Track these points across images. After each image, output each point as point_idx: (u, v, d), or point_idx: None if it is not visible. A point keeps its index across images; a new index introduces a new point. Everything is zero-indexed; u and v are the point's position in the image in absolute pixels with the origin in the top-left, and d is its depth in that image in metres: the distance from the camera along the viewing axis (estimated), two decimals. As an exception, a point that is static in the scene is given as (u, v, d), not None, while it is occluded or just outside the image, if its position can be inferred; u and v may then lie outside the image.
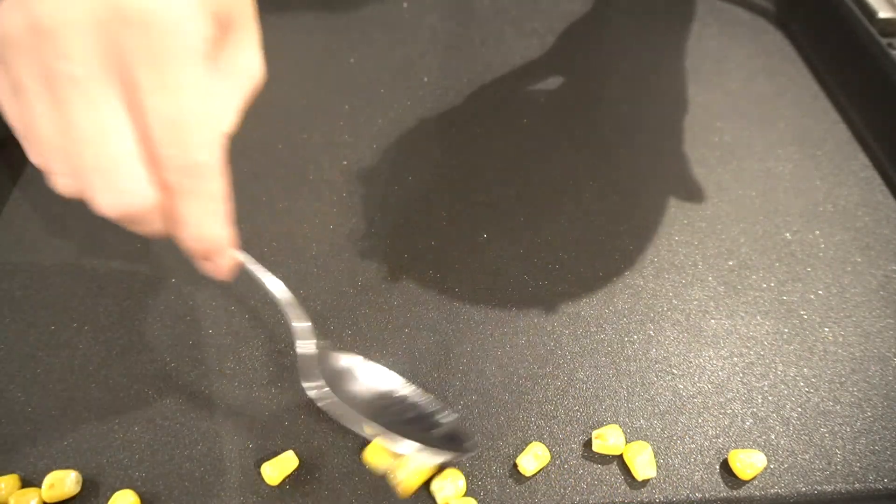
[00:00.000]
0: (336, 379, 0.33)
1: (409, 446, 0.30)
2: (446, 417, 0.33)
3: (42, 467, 0.32)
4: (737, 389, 0.35)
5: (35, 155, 0.25)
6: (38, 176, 0.46)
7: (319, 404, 0.31)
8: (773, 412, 0.34)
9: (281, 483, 0.32)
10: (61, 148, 0.24)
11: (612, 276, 0.40)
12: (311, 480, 0.32)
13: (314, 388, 0.31)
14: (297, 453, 0.32)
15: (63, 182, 0.25)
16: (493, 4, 0.60)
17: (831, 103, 0.51)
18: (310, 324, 0.33)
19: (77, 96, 0.23)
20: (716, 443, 0.33)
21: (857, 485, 0.32)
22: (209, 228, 0.26)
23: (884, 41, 0.48)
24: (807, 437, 0.33)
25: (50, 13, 0.22)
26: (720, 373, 0.36)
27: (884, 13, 0.50)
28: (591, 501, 0.31)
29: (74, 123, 0.23)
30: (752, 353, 0.37)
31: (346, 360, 0.34)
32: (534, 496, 0.32)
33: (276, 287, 0.33)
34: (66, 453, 0.33)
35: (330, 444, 0.33)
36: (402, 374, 0.36)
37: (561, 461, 0.33)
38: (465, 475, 0.32)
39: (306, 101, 0.51)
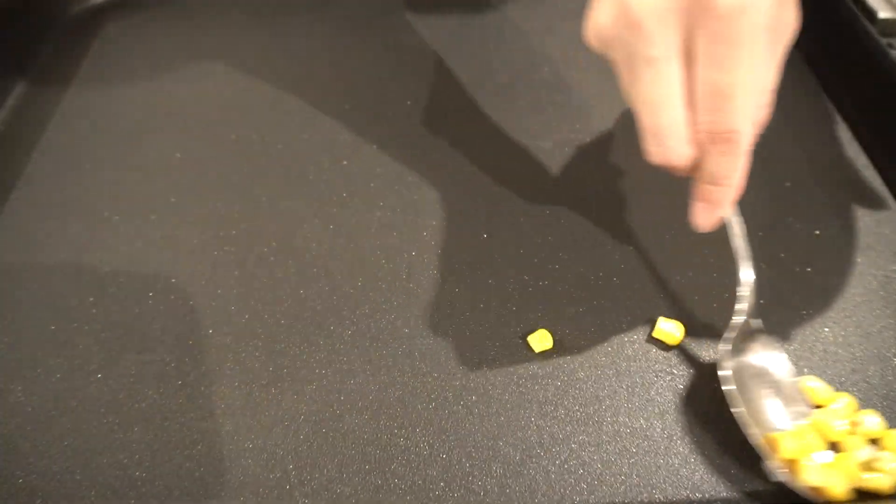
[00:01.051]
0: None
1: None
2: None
3: (42, 467, 0.32)
4: (737, 389, 0.35)
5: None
6: (38, 176, 0.46)
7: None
8: (773, 412, 0.34)
9: (281, 481, 0.32)
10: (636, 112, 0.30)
11: (613, 275, 0.40)
12: (311, 481, 0.32)
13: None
14: (299, 454, 0.32)
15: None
16: (493, 4, 0.60)
17: (831, 103, 0.51)
18: (744, 318, 0.34)
19: (648, 74, 0.28)
20: (716, 443, 0.33)
21: (857, 485, 0.32)
22: (724, 181, 0.30)
23: (884, 41, 0.48)
24: (807, 437, 0.33)
25: (639, 7, 0.27)
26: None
27: (884, 13, 0.50)
28: (591, 501, 0.31)
29: (643, 97, 0.29)
30: (752, 353, 0.37)
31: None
32: (534, 496, 0.32)
33: (746, 274, 0.35)
34: (66, 453, 0.33)
35: (329, 445, 0.33)
36: (401, 373, 0.36)
37: (561, 461, 0.33)
38: (465, 474, 0.32)
39: (306, 101, 0.51)
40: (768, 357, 0.34)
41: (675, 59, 0.28)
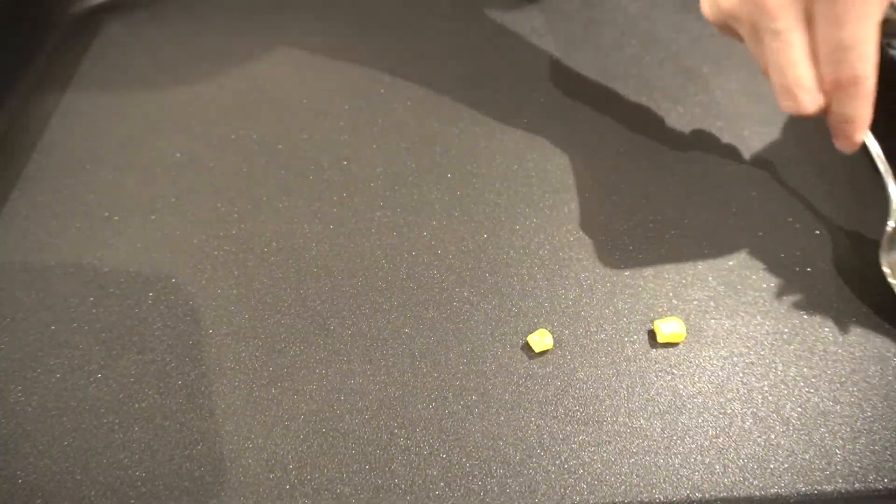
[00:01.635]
0: None
1: None
2: None
3: (42, 467, 0.32)
4: (737, 389, 0.35)
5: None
6: (38, 176, 0.46)
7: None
8: (773, 412, 0.34)
9: (281, 481, 0.32)
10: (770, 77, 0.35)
11: (612, 275, 0.40)
12: (311, 481, 0.32)
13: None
14: (298, 455, 0.32)
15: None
16: (493, 4, 0.60)
17: (831, 103, 0.51)
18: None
19: (775, 43, 0.33)
20: (716, 443, 0.33)
21: (857, 485, 0.32)
22: (853, 119, 0.35)
23: (884, 41, 0.48)
24: (807, 437, 0.33)
25: None
26: (720, 373, 0.36)
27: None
28: (591, 501, 0.31)
29: (773, 61, 0.34)
30: (752, 353, 0.37)
31: None
32: (534, 496, 0.32)
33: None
34: (66, 453, 0.33)
35: (329, 445, 0.33)
36: (401, 373, 0.36)
37: (561, 461, 0.33)
38: (465, 474, 0.32)
39: (306, 101, 0.51)
40: None
41: (798, 26, 0.32)
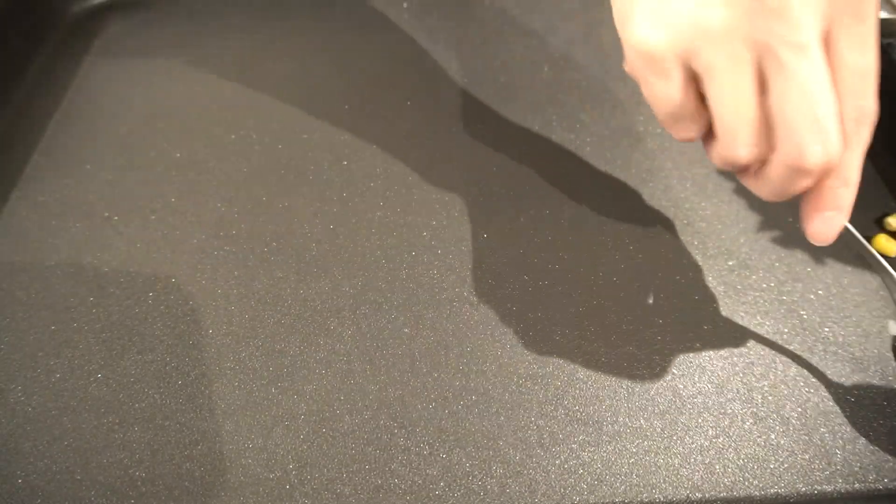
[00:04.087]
0: None
1: None
2: None
3: (42, 467, 0.32)
4: (737, 389, 0.35)
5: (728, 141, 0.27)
6: (38, 176, 0.46)
7: None
8: (773, 412, 0.34)
9: (281, 481, 0.32)
10: (756, 119, 0.26)
11: (612, 276, 0.40)
12: (311, 481, 0.32)
13: None
14: (297, 455, 0.32)
15: (747, 151, 0.27)
16: (493, 4, 0.60)
17: (831, 103, 0.51)
18: None
19: (802, 63, 0.25)
20: (716, 443, 0.33)
21: (857, 485, 0.32)
22: (853, 179, 0.27)
23: (884, 41, 0.48)
24: (807, 437, 0.33)
25: None
26: (720, 373, 0.36)
27: (884, 13, 0.50)
28: (591, 501, 0.31)
29: (797, 89, 0.25)
30: (752, 353, 0.37)
31: None
32: (534, 496, 0.32)
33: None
34: (66, 453, 0.33)
35: (329, 445, 0.33)
36: (401, 373, 0.36)
37: (561, 461, 0.33)
38: (465, 474, 0.32)
39: (306, 101, 0.51)
40: None
41: (821, 44, 0.25)
